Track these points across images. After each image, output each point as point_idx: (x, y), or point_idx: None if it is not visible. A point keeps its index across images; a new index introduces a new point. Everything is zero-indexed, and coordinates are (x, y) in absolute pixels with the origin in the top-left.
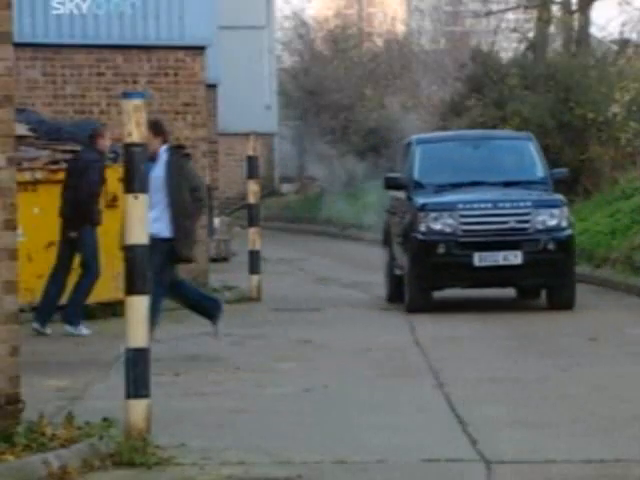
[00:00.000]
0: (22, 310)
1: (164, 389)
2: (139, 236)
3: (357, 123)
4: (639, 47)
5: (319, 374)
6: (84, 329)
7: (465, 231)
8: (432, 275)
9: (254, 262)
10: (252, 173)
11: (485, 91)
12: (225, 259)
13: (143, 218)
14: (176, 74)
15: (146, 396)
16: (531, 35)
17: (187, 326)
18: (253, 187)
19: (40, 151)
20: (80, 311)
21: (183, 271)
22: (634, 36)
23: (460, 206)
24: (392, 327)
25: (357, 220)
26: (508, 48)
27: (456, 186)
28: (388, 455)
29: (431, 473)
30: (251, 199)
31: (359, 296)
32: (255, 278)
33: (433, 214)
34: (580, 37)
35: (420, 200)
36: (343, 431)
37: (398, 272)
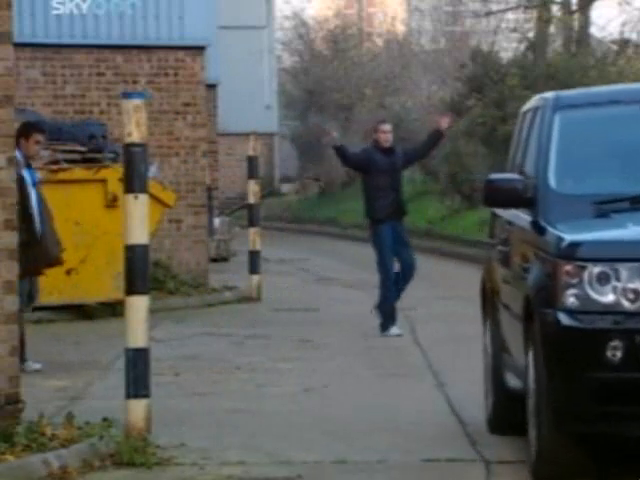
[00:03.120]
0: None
1: (164, 389)
2: (139, 236)
3: (357, 123)
4: (639, 47)
5: (319, 374)
6: (393, 329)
7: None
8: (593, 408)
9: (254, 262)
10: (252, 173)
11: (485, 91)
12: (225, 259)
13: (143, 218)
14: (176, 74)
15: (146, 396)
16: (531, 35)
17: (187, 326)
18: (253, 187)
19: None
20: (386, 314)
21: (183, 270)
22: (634, 36)
23: None
24: None
25: (358, 220)
26: (508, 48)
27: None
28: (388, 455)
29: (431, 473)
30: (251, 199)
31: (359, 296)
32: (255, 278)
33: (596, 267)
34: (580, 37)
35: (563, 234)
36: (343, 431)
37: (514, 383)
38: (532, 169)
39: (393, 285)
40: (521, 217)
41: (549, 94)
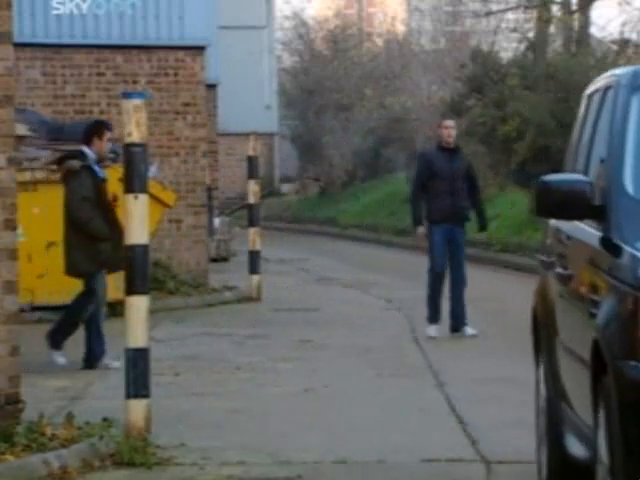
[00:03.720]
0: (22, 310)
1: (164, 389)
2: (139, 236)
3: (357, 123)
4: (639, 47)
5: (319, 374)
6: (429, 329)
7: None
8: None
9: (254, 262)
10: (252, 173)
11: (485, 91)
12: (225, 259)
13: (143, 218)
14: (176, 74)
15: (146, 396)
16: (531, 35)
17: (187, 326)
18: (253, 187)
19: (40, 151)
20: (430, 309)
21: (183, 270)
22: (634, 36)
23: None
24: (392, 327)
25: (358, 220)
26: (508, 48)
27: None
28: (388, 455)
29: (431, 473)
30: (251, 199)
31: (359, 296)
32: (255, 278)
33: None
34: (580, 37)
35: None
36: (343, 431)
37: (576, 451)
38: (601, 168)
39: (439, 285)
40: (586, 231)
41: (624, 69)
